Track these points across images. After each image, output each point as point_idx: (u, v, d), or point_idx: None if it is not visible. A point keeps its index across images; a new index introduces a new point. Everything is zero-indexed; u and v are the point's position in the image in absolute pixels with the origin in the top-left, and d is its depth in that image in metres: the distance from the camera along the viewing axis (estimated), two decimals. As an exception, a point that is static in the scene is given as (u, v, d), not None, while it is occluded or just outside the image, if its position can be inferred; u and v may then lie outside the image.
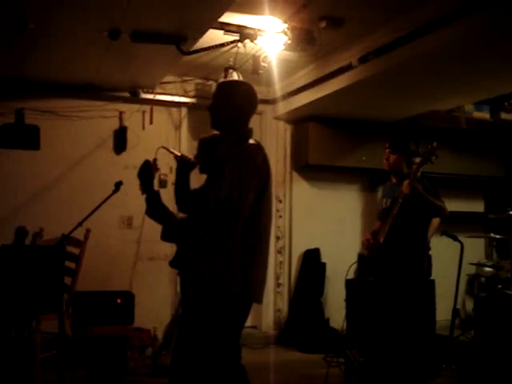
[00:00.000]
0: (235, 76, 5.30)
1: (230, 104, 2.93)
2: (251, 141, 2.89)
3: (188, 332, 2.80)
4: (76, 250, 5.17)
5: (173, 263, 4.16)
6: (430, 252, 4.84)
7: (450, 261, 5.46)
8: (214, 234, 2.71)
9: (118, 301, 5.06)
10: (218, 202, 2.70)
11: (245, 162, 2.75)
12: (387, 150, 4.50)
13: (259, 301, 2.87)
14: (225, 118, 2.95)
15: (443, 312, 5.44)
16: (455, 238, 5.31)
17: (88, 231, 5.14)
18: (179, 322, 2.92)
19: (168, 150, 3.81)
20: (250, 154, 2.80)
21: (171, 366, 2.87)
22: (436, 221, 5.13)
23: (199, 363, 2.73)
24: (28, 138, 5.81)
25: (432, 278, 5.18)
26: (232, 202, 2.66)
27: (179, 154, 3.86)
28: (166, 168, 5.42)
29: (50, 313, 4.62)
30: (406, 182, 4.18)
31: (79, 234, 4.77)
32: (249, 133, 2.95)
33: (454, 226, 5.56)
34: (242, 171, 2.71)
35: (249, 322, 6.18)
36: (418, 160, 4.40)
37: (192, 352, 2.74)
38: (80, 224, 3.90)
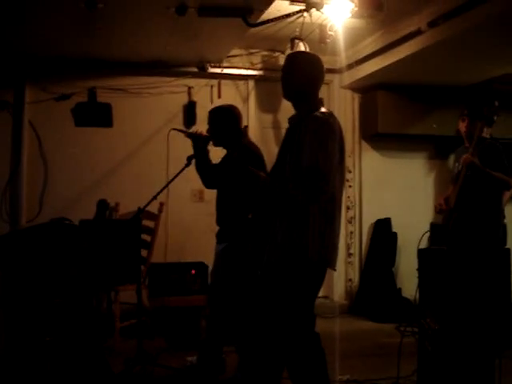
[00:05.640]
0: (302, 46, 5.28)
1: (300, 73, 2.96)
2: (323, 109, 2.90)
3: (264, 298, 2.84)
4: (151, 224, 5.32)
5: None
6: (505, 220, 4.72)
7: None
8: (304, 198, 2.71)
9: (193, 272, 5.18)
10: (302, 169, 2.70)
11: (324, 127, 2.76)
12: (467, 118, 4.42)
13: (334, 267, 2.90)
14: (297, 88, 2.97)
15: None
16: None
17: (162, 205, 5.28)
18: (256, 288, 2.96)
19: (178, 130, 3.90)
20: (326, 121, 2.81)
21: (243, 332, 2.93)
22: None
23: (274, 329, 2.78)
24: (101, 116, 5.98)
25: (507, 247, 5.06)
26: (318, 167, 2.66)
27: (190, 131, 3.93)
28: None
29: (127, 284, 4.80)
30: (464, 156, 4.15)
31: (153, 208, 4.89)
32: (320, 102, 2.95)
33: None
34: (323, 139, 2.72)
35: (320, 292, 6.19)
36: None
37: (268, 318, 2.79)
38: (155, 197, 3.98)
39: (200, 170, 4.03)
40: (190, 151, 4.02)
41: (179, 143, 4.24)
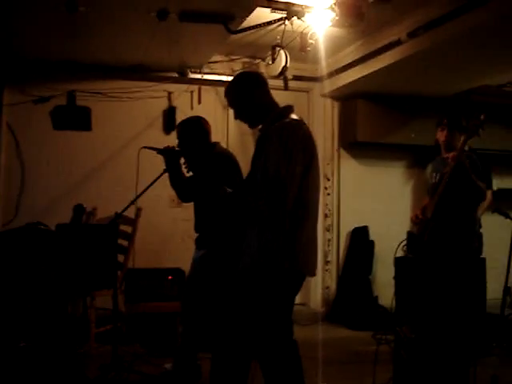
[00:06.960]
0: (282, 54, 5.29)
1: (244, 101, 2.96)
2: (293, 116, 2.90)
3: (238, 305, 2.83)
4: (128, 229, 5.28)
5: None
6: (481, 230, 4.76)
7: (502, 239, 5.36)
8: (266, 209, 2.72)
9: (169, 277, 5.16)
10: (267, 178, 2.70)
11: (289, 137, 2.74)
12: (446, 128, 4.45)
13: (310, 274, 2.89)
14: (253, 113, 2.98)
15: (495, 291, 5.36)
16: (507, 216, 5.19)
17: (139, 210, 5.25)
18: (227, 295, 2.96)
19: (149, 148, 3.90)
20: (292, 129, 2.80)
21: (216, 339, 2.92)
22: (487, 198, 5.03)
23: (249, 337, 2.77)
24: (80, 120, 5.94)
25: (483, 256, 5.10)
26: (280, 176, 2.67)
27: (160, 148, 3.94)
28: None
29: (104, 289, 4.76)
30: (452, 154, 4.15)
31: (130, 213, 4.86)
32: (288, 109, 2.94)
33: (507, 203, 5.45)
34: (288, 146, 2.71)
35: (297, 299, 6.19)
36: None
37: (242, 326, 2.78)
38: (132, 202, 3.98)
39: (174, 185, 4.03)
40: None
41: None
